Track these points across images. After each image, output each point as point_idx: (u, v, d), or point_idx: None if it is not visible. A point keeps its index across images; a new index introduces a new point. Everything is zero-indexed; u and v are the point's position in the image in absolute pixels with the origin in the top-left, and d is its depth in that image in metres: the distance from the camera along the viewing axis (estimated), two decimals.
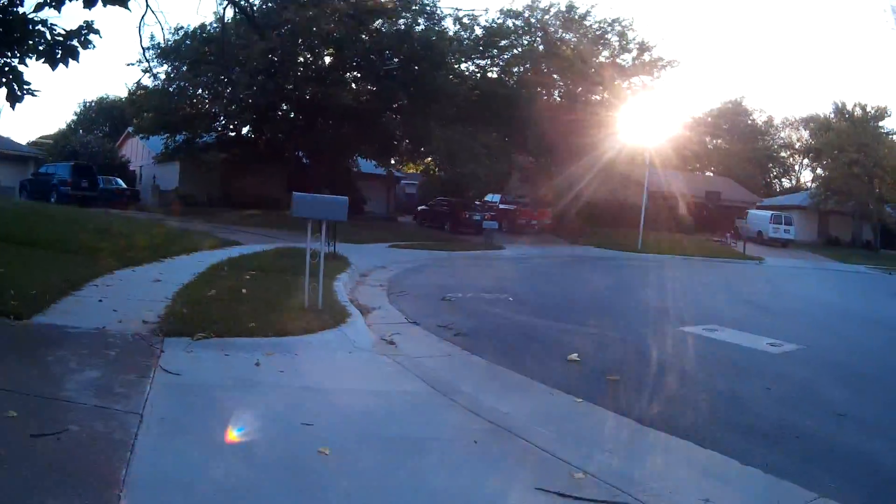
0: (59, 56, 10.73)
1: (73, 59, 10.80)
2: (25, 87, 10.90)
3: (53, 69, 10.73)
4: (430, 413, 8.14)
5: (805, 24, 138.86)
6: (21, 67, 10.93)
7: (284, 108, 43.70)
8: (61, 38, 10.74)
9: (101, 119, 76.25)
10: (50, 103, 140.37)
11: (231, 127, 45.18)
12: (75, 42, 10.78)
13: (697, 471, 6.42)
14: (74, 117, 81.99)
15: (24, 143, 58.32)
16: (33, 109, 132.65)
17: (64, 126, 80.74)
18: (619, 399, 9.04)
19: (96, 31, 10.89)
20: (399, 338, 11.85)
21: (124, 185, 46.13)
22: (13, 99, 10.80)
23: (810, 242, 59.16)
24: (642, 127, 46.34)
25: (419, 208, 46.36)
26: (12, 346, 8.57)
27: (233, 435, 6.61)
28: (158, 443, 6.12)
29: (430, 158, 47.79)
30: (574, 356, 11.42)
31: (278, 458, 6.16)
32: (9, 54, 10.88)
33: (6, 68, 10.85)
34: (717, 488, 5.95)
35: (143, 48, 39.50)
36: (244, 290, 14.01)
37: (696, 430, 7.78)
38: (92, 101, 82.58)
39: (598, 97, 48.42)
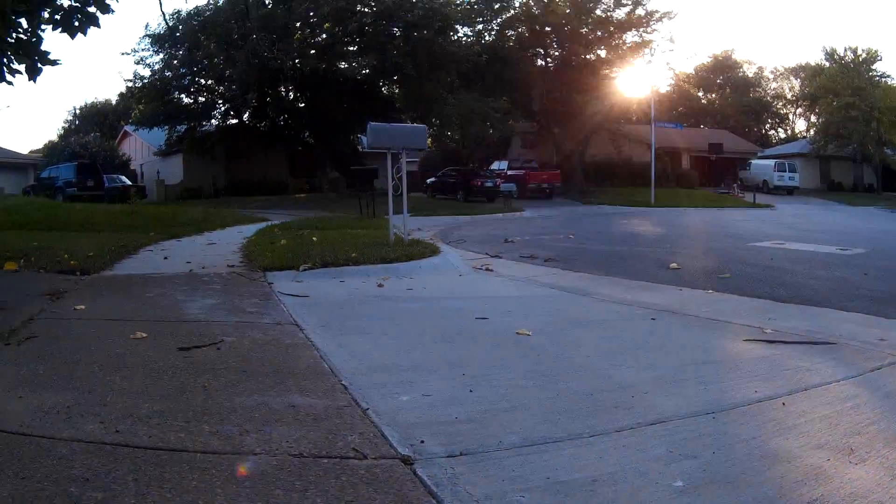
0: (76, 24, 10.13)
1: (94, 25, 10.15)
2: (48, 55, 10.42)
3: (73, 38, 10.16)
4: (586, 305, 7.86)
5: None
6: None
7: (282, 90, 43.14)
8: (77, 5, 10.16)
9: (92, 124, 75.10)
10: (36, 117, 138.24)
11: (232, 113, 44.54)
12: (92, 8, 10.21)
13: (856, 323, 6.75)
14: (65, 125, 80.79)
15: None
16: (20, 121, 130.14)
17: (56, 137, 79.47)
18: (742, 288, 9.15)
19: None
20: (493, 265, 11.56)
21: (129, 182, 45.41)
22: (32, 71, 10.31)
23: (814, 189, 58.80)
24: (641, 83, 46.03)
25: (428, 181, 45.65)
26: (96, 291, 7.78)
27: (424, 332, 6.22)
28: (341, 342, 5.62)
29: (436, 128, 47.16)
30: (674, 265, 11.56)
31: (490, 339, 5.87)
32: (23, 27, 10.39)
33: (22, 42, 10.33)
34: (883, 332, 6.25)
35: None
36: (315, 239, 13.63)
37: (827, 301, 8.14)
38: (81, 106, 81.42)
39: (593, 56, 47.90)
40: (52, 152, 57.28)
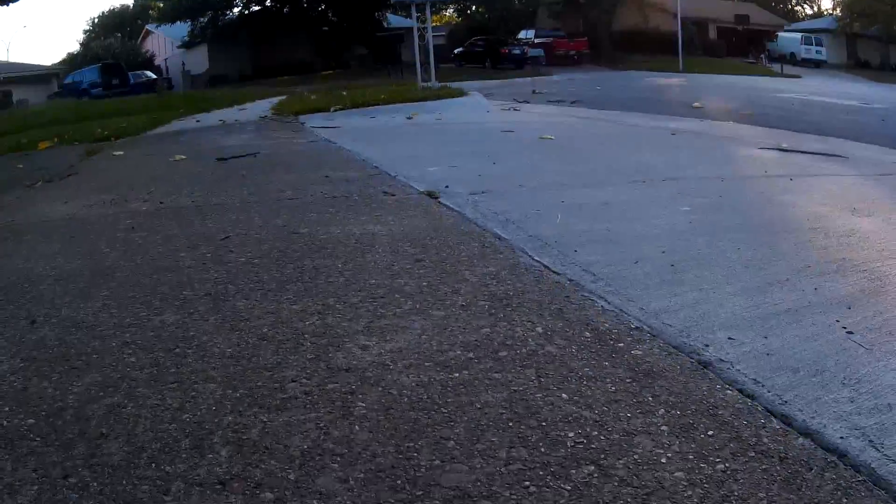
0: None
1: None
2: None
3: None
4: (608, 127, 8.02)
5: None
6: None
7: None
8: None
9: (112, 29, 74.42)
10: (54, 33, 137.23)
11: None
12: None
13: (870, 151, 6.69)
14: (85, 34, 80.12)
15: None
16: (39, 38, 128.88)
17: (77, 47, 78.99)
18: (763, 121, 9.06)
19: None
20: (521, 106, 11.62)
21: (155, 76, 45.37)
22: None
23: (841, 65, 57.46)
24: None
25: (456, 51, 45.23)
26: (133, 145, 7.93)
27: (451, 140, 6.45)
28: (372, 146, 5.90)
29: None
30: (697, 104, 11.52)
31: (515, 142, 6.16)
32: None
33: None
34: None
35: None
36: (344, 93, 13.75)
37: (844, 136, 7.87)
38: (98, 15, 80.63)
39: None
40: (74, 60, 57.01)
